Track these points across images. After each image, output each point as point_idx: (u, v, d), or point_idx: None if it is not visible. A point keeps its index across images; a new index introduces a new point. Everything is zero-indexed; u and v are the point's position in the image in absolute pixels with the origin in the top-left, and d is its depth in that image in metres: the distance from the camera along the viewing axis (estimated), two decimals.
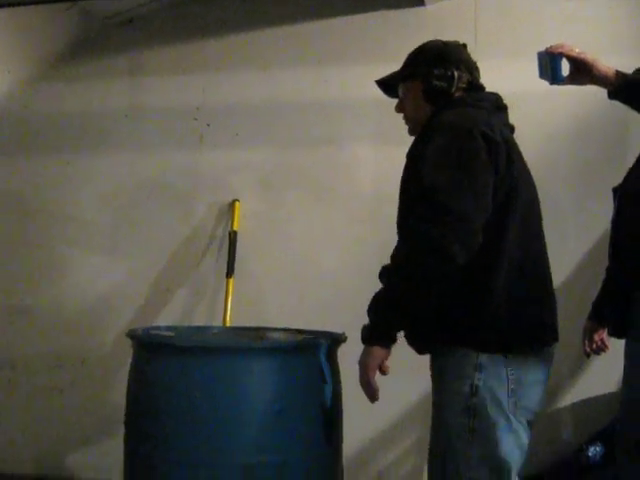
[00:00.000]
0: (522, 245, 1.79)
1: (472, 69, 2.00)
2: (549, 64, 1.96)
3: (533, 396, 1.79)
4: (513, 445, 1.73)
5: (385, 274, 1.75)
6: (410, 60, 2.07)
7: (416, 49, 2.07)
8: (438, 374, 1.85)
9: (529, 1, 3.36)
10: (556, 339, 1.87)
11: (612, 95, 2.02)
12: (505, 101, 2.02)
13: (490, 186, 1.71)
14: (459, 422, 1.73)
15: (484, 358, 1.71)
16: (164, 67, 3.75)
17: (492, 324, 1.73)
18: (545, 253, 1.92)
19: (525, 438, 1.77)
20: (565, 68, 1.97)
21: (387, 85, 2.13)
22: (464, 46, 2.06)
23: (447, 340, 1.78)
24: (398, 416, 3.28)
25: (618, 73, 1.97)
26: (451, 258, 1.62)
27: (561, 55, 1.95)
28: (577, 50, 1.96)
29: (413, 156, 1.88)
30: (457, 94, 1.94)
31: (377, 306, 1.77)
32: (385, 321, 1.76)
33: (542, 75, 1.98)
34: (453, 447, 1.74)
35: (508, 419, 1.72)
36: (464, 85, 1.95)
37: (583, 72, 1.97)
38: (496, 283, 1.73)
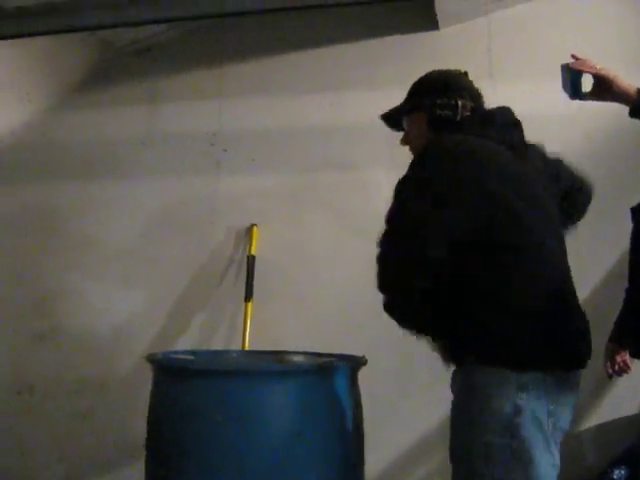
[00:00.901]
0: (553, 265, 1.81)
1: (475, 96, 1.99)
2: (569, 79, 1.96)
3: (567, 417, 1.78)
4: (548, 465, 1.70)
5: None
6: (413, 92, 2.08)
7: (417, 81, 2.08)
8: (469, 391, 1.81)
9: (542, 22, 3.38)
10: (589, 357, 1.85)
11: (632, 113, 1.99)
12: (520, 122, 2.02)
13: (446, 217, 1.73)
14: (501, 442, 1.69)
15: (525, 378, 1.69)
16: (181, 94, 3.79)
17: (530, 343, 1.71)
18: (570, 274, 1.92)
19: (558, 459, 1.75)
20: (588, 84, 1.97)
21: (391, 118, 2.15)
22: (465, 74, 2.06)
23: (485, 358, 1.77)
24: (421, 438, 3.25)
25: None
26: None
27: (581, 72, 1.95)
28: (599, 66, 1.96)
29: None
30: (463, 122, 1.93)
31: None
32: None
33: (564, 88, 1.99)
34: (489, 468, 1.71)
35: (546, 440, 1.69)
36: (468, 113, 1.94)
37: (604, 88, 1.96)
38: (535, 303, 1.73)
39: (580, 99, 1.98)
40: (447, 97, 1.93)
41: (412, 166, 1.83)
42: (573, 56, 2.01)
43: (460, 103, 1.92)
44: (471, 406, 1.79)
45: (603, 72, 1.95)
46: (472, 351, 1.78)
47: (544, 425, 1.69)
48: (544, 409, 1.69)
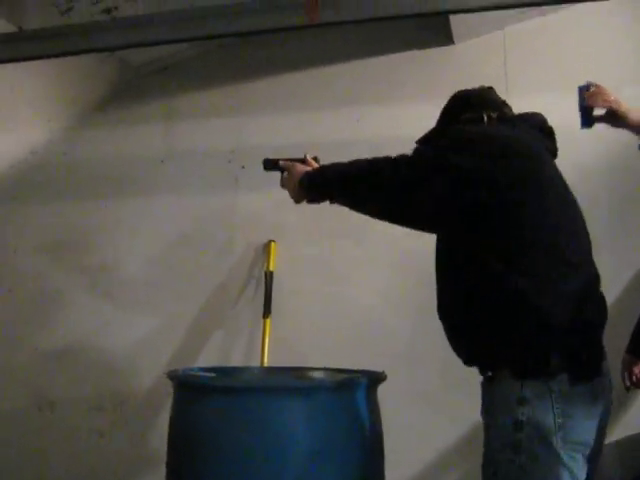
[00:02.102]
0: (572, 263, 1.74)
1: (500, 106, 2.03)
2: (580, 109, 2.02)
3: (586, 429, 1.71)
4: None
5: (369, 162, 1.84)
6: (442, 113, 2.13)
7: (445, 105, 2.13)
8: (487, 409, 1.82)
9: (557, 36, 3.38)
10: (599, 368, 1.77)
11: None
12: None
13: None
14: (505, 459, 1.68)
15: (528, 391, 1.67)
16: (198, 112, 3.82)
17: (535, 350, 1.68)
18: (594, 277, 1.85)
19: (582, 473, 1.69)
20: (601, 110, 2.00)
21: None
22: (489, 88, 2.11)
23: (491, 366, 1.76)
24: (441, 452, 3.24)
25: None
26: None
27: (592, 107, 2.01)
28: (612, 98, 2.01)
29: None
30: None
31: (340, 168, 1.91)
32: (331, 176, 1.94)
33: (578, 110, 2.03)
34: None
35: (557, 454, 1.65)
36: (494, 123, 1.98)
37: (616, 119, 2.04)
38: (542, 308, 1.67)
39: (589, 128, 2.04)
40: (472, 112, 1.99)
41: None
42: (589, 85, 2.06)
43: (485, 115, 1.96)
44: (487, 424, 1.80)
45: (615, 106, 2.01)
46: (489, 365, 1.78)
47: (551, 439, 1.65)
48: (550, 423, 1.65)
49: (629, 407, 3.08)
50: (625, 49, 3.34)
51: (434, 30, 3.48)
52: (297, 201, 2.08)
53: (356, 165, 1.87)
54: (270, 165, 2.18)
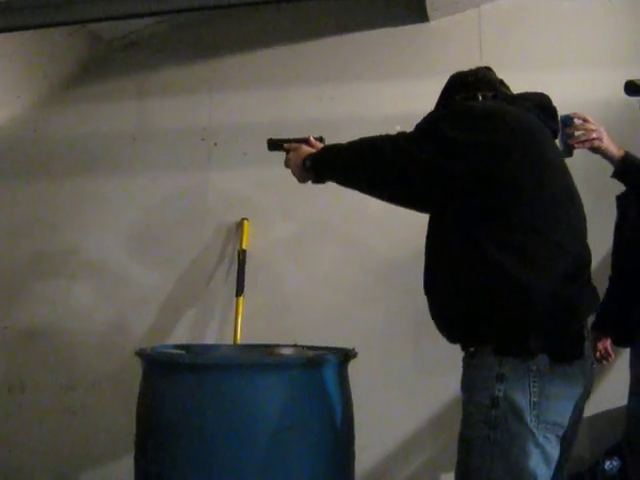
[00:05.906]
0: (563, 244, 1.72)
1: (495, 84, 2.00)
2: (562, 141, 2.12)
3: (560, 411, 1.70)
4: (539, 459, 1.67)
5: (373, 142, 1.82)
6: (439, 97, 2.11)
7: (442, 88, 2.11)
8: (467, 385, 1.81)
9: (532, 14, 3.38)
10: (580, 356, 1.74)
11: (614, 175, 2.28)
12: None
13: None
14: (481, 434, 1.68)
15: (507, 369, 1.67)
16: (170, 88, 3.78)
17: (516, 328, 1.67)
18: (589, 260, 1.85)
19: (554, 453, 1.69)
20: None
21: None
22: (487, 68, 2.08)
23: (474, 342, 1.75)
24: (412, 431, 3.25)
25: (625, 158, 2.22)
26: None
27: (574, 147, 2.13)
28: (594, 136, 2.14)
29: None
30: None
31: (343, 149, 1.89)
32: (334, 157, 1.92)
33: (559, 141, 2.11)
34: (474, 459, 1.70)
35: (532, 432, 1.65)
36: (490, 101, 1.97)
37: (597, 152, 2.22)
38: (527, 287, 1.65)
39: (570, 157, 2.11)
40: (466, 92, 1.97)
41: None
42: (571, 117, 2.15)
43: (480, 95, 1.95)
44: (465, 400, 1.78)
45: (597, 145, 2.17)
46: (472, 341, 1.77)
47: (525, 417, 1.65)
48: (525, 401, 1.65)
49: (599, 384, 3.10)
50: (601, 28, 3.34)
51: (408, 7, 3.46)
52: (301, 181, 2.06)
53: (357, 145, 1.85)
54: (274, 146, 2.17)
